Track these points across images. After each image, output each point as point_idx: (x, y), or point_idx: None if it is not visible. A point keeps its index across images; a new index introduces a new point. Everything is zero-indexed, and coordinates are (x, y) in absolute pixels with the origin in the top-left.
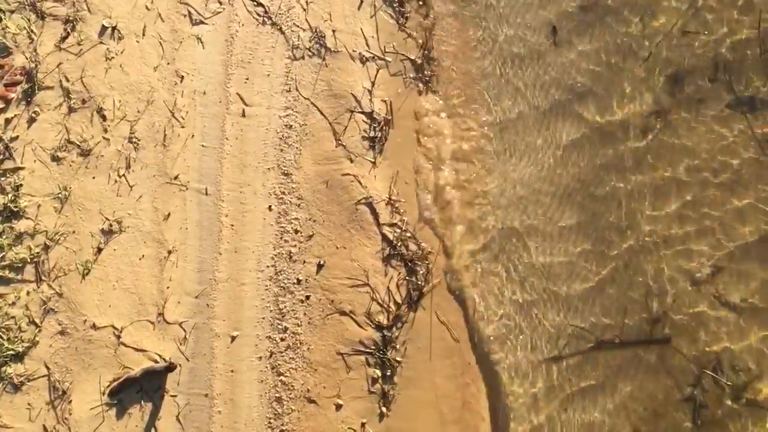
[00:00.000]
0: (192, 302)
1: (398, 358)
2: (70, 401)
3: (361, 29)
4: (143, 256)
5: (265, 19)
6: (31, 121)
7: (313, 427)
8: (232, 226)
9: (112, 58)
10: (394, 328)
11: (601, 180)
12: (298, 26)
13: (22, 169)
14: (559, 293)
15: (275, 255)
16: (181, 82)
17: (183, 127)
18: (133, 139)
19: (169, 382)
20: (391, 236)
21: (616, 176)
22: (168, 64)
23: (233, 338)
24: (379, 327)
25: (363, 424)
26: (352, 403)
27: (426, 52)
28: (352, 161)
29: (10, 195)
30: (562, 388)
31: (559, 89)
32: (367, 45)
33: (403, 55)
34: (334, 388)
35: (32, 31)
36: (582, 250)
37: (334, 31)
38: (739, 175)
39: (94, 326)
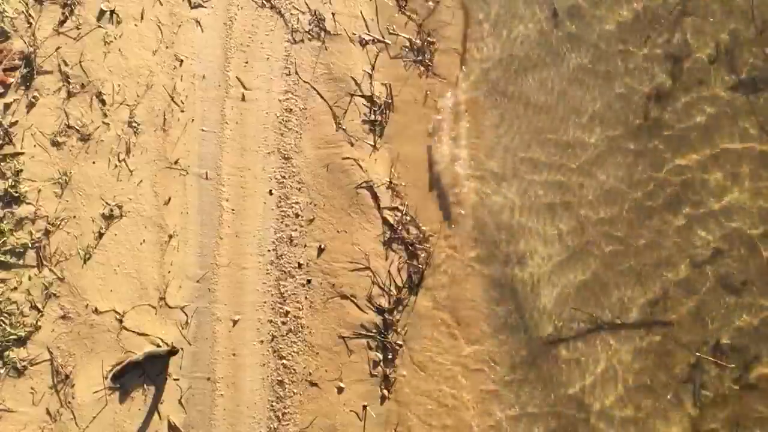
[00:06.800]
0: (193, 286)
1: (399, 342)
2: (73, 385)
3: (361, 12)
4: (144, 240)
5: (264, 1)
6: (31, 105)
7: (314, 410)
8: (233, 210)
9: (111, 42)
10: (395, 312)
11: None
12: (297, 9)
13: (22, 154)
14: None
15: (276, 239)
16: (180, 66)
17: (183, 111)
18: (133, 124)
19: (172, 366)
20: (391, 220)
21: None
22: (167, 48)
23: (235, 322)
24: (380, 310)
25: (365, 407)
26: (354, 386)
27: (427, 34)
28: (352, 145)
29: (10, 180)
30: (562, 370)
31: None
32: (367, 28)
33: (403, 37)
34: (335, 372)
35: (30, 14)
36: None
37: (333, 13)
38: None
39: (96, 311)
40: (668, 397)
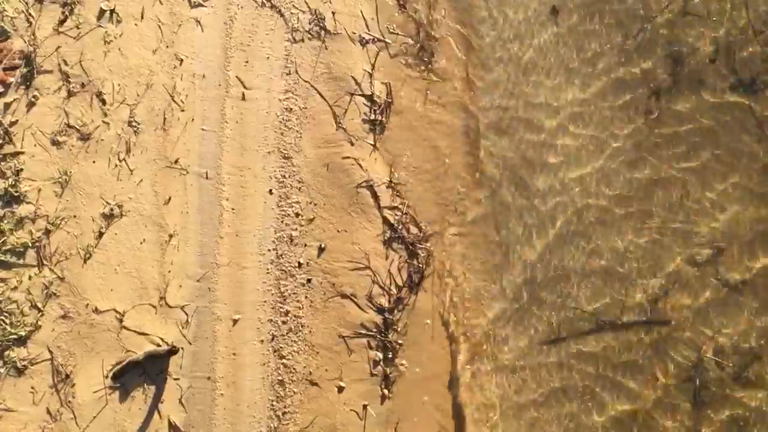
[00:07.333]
0: (193, 286)
1: (399, 341)
2: (74, 385)
3: (361, 11)
4: (144, 240)
5: (264, 1)
6: (31, 105)
7: (315, 409)
8: (233, 209)
9: (111, 41)
10: (395, 311)
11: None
12: (297, 8)
13: (22, 153)
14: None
15: (276, 238)
16: (181, 65)
17: (183, 110)
18: (133, 123)
19: (172, 366)
20: (392, 219)
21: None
22: (167, 47)
23: (235, 321)
24: (380, 310)
25: (365, 406)
26: (354, 386)
27: (426, 33)
28: (352, 144)
29: (10, 180)
30: (562, 368)
31: None
32: (367, 27)
33: (403, 36)
34: (335, 371)
35: (30, 14)
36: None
37: (333, 13)
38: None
39: (96, 310)
40: (668, 395)
